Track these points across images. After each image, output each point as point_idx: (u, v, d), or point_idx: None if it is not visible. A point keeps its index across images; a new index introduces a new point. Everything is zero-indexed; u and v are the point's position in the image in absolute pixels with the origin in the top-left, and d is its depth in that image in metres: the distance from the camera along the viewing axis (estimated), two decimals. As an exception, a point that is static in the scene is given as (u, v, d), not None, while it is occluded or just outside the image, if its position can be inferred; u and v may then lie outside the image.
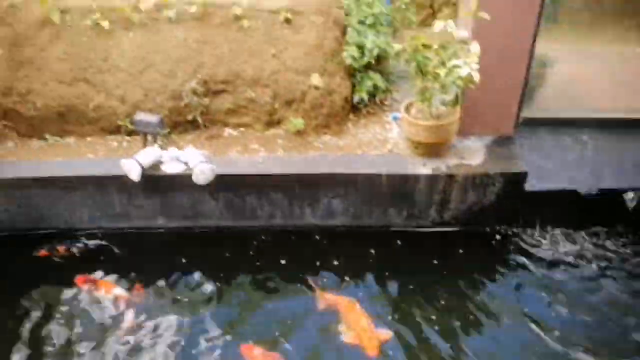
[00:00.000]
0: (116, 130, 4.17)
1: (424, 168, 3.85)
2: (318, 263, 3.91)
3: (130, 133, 4.15)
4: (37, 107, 4.06)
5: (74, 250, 4.02)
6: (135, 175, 3.76)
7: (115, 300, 3.65)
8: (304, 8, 4.27)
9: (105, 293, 3.69)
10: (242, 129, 4.24)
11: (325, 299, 3.61)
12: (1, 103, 4.12)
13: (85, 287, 3.72)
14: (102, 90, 4.10)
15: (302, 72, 4.13)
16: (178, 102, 4.09)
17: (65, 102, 4.07)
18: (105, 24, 4.13)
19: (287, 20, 4.21)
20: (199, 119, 4.14)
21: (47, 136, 4.14)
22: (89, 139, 4.17)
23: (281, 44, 4.17)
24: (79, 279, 3.76)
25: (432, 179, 3.83)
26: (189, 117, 4.14)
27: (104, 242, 4.06)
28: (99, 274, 3.82)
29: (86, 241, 4.06)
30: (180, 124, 4.17)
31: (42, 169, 3.87)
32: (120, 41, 4.15)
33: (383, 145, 4.09)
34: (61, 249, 4.00)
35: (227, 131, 4.23)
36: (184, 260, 3.93)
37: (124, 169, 3.77)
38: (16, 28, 4.25)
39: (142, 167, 3.76)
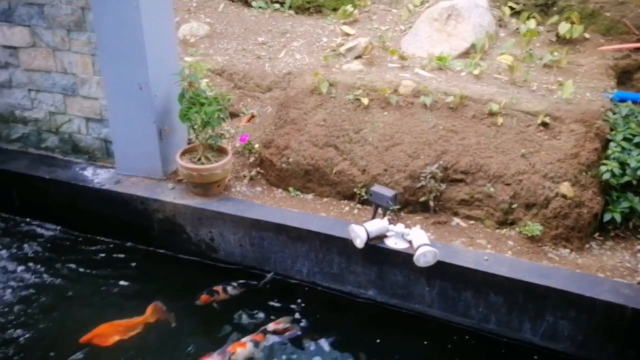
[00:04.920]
0: (350, 196, 4.36)
1: (682, 313, 3.26)
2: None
3: (362, 202, 4.31)
4: (289, 162, 4.47)
5: (232, 293, 4.14)
6: (360, 242, 3.84)
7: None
8: (565, 115, 4.10)
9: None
10: (471, 221, 4.11)
11: None
12: (261, 153, 4.63)
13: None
14: (347, 158, 4.36)
15: (550, 178, 3.90)
16: (414, 182, 4.15)
17: (313, 162, 4.42)
18: (365, 100, 4.45)
19: (544, 124, 4.07)
20: (431, 203, 4.13)
21: (290, 189, 4.50)
22: (325, 199, 4.43)
23: (533, 146, 4.02)
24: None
25: (692, 328, 3.22)
26: (421, 199, 4.16)
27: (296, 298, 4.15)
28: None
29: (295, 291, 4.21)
30: (411, 203, 4.21)
31: (279, 216, 4.18)
32: (375, 118, 4.42)
33: (631, 275, 3.59)
34: (219, 290, 4.12)
35: (456, 221, 4.14)
36: (377, 340, 3.83)
37: (351, 234, 3.89)
38: (288, 92, 4.82)
39: (368, 236, 3.84)
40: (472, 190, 4.09)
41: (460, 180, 4.13)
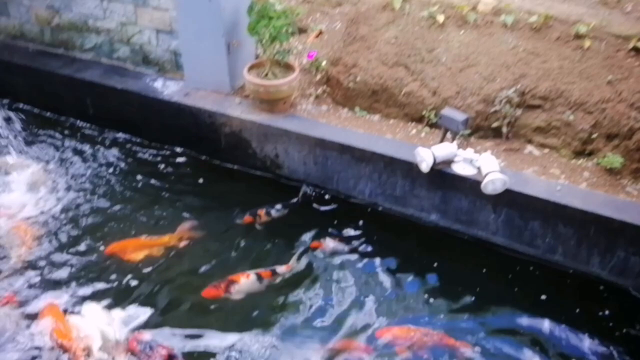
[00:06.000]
0: (418, 119, 4.24)
1: None
2: (580, 313, 3.46)
3: (431, 125, 4.18)
4: (357, 80, 4.35)
5: (275, 215, 4.14)
6: (425, 166, 3.76)
7: None
8: (662, 39, 3.76)
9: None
10: (546, 150, 3.93)
11: None
12: (328, 70, 4.53)
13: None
14: (417, 79, 4.20)
15: (637, 108, 3.64)
16: (488, 107, 3.97)
17: (381, 82, 4.28)
18: (440, 18, 4.22)
19: (636, 49, 3.75)
20: (504, 129, 3.96)
21: (356, 109, 4.42)
22: (391, 120, 4.32)
23: (621, 73, 3.73)
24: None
25: None
26: (494, 125, 3.99)
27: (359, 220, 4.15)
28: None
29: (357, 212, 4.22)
30: (482, 128, 4.05)
31: (344, 136, 4.13)
32: (449, 37, 4.20)
33: None
34: (262, 213, 4.12)
35: (529, 148, 3.96)
36: (435, 264, 3.82)
37: (416, 157, 3.81)
38: (359, 8, 4.63)
39: (435, 161, 3.74)
40: (550, 117, 3.87)
41: (538, 107, 3.91)
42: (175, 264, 3.80)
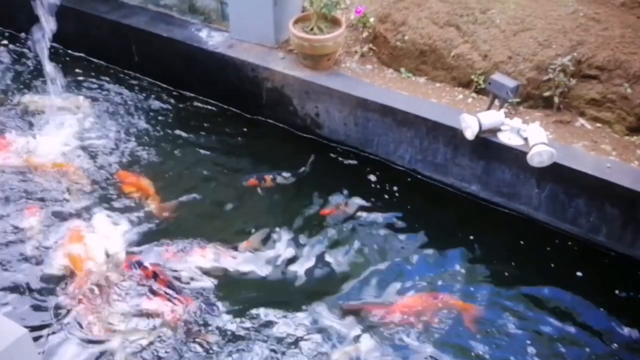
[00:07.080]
0: (466, 84, 4.08)
1: None
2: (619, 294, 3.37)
3: (479, 91, 4.02)
4: (404, 39, 4.20)
5: (280, 182, 4.08)
6: (470, 133, 3.64)
7: None
8: None
9: None
10: (598, 124, 3.74)
11: None
12: (375, 27, 4.37)
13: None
14: (468, 41, 4.02)
15: (703, 84, 3.40)
16: (541, 74, 3.78)
17: (430, 42, 4.12)
18: (497, -24, 4.00)
19: None
20: (556, 99, 3.77)
21: (402, 70, 4.28)
22: (438, 84, 4.17)
23: (691, 44, 3.48)
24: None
25: None
26: (545, 94, 3.80)
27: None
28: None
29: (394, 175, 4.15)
30: (532, 97, 3.87)
31: (387, 97, 4.02)
32: (506, -3, 3.98)
33: None
34: (268, 178, 4.06)
35: (580, 121, 3.78)
36: (471, 236, 3.72)
37: (462, 124, 3.69)
38: (413, -38, 4.41)
39: (481, 128, 3.62)
40: (606, 89, 3.66)
41: (594, 77, 3.70)
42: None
